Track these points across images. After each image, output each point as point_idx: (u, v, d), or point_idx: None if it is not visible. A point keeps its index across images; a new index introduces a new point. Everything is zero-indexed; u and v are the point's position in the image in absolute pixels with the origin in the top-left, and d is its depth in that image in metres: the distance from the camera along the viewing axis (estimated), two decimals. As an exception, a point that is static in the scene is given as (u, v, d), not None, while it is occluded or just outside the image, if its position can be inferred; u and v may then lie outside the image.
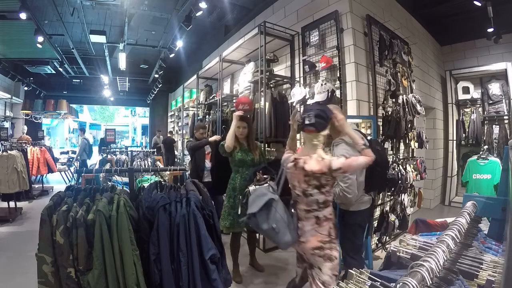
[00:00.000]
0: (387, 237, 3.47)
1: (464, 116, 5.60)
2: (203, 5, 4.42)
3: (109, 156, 4.85)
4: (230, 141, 2.52)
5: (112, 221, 1.36)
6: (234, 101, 4.91)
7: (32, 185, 5.46)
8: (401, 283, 0.58)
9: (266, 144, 3.59)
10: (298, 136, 2.08)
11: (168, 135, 8.42)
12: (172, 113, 10.38)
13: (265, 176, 2.32)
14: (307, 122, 1.65)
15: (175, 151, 8.17)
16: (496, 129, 5.15)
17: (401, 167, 3.43)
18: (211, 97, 5.45)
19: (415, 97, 3.75)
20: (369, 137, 2.65)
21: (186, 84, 7.16)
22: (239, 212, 2.35)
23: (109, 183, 2.34)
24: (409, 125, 3.73)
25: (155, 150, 5.74)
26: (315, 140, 1.67)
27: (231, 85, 5.51)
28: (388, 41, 3.63)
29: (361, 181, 2.01)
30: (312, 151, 1.66)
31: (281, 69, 4.25)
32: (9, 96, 7.82)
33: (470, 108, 5.53)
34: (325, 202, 1.63)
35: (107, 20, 6.12)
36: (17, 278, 2.62)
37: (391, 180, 3.17)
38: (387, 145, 3.47)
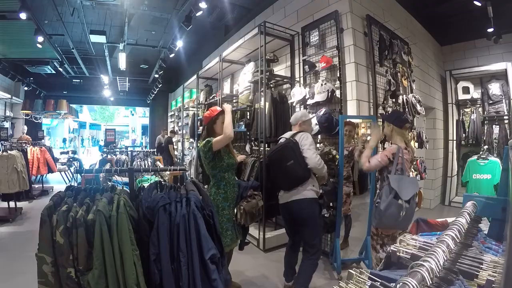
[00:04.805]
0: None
1: (464, 116, 5.61)
2: (203, 5, 4.43)
3: (109, 156, 4.86)
4: (232, 130, 2.14)
5: (112, 221, 1.36)
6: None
7: (32, 185, 5.47)
8: (401, 283, 0.58)
9: (266, 144, 3.59)
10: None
11: (170, 134, 8.38)
12: (172, 113, 10.38)
13: (255, 193, 2.29)
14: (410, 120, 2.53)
15: (175, 151, 8.14)
16: (496, 129, 5.15)
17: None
18: (211, 97, 5.45)
19: (415, 97, 3.75)
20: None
21: (186, 84, 7.16)
22: (236, 235, 2.24)
23: (109, 183, 2.33)
24: (409, 125, 3.73)
25: (155, 150, 5.73)
26: (406, 134, 2.48)
27: (231, 85, 5.51)
28: (388, 41, 3.64)
29: None
30: (402, 143, 2.32)
31: (281, 69, 4.25)
32: (9, 96, 7.81)
33: (470, 108, 5.53)
34: None
35: (107, 20, 6.12)
36: (17, 278, 2.62)
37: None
38: (387, 144, 3.47)
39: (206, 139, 2.15)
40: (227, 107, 2.24)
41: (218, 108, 2.30)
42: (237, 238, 2.26)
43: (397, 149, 2.23)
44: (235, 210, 2.22)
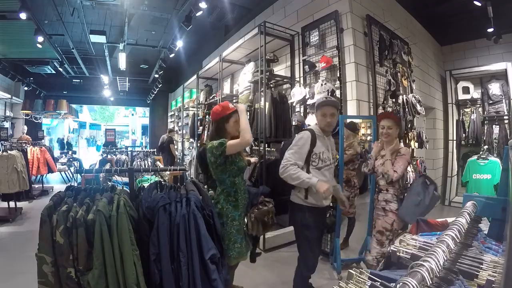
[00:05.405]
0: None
1: (464, 116, 5.60)
2: (203, 5, 4.43)
3: (109, 156, 4.85)
4: (251, 135, 1.90)
5: (112, 221, 1.36)
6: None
7: (32, 185, 5.46)
8: (401, 283, 0.58)
9: (266, 144, 3.59)
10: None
11: (169, 133, 8.35)
12: (172, 113, 10.38)
13: (266, 199, 2.16)
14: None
15: (175, 151, 8.11)
16: (496, 129, 5.15)
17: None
18: (211, 97, 5.45)
19: (415, 97, 3.75)
20: (369, 137, 2.67)
21: (186, 84, 7.17)
22: (246, 248, 2.01)
23: (109, 183, 2.33)
24: (409, 125, 3.73)
25: (155, 150, 5.70)
26: None
27: (231, 85, 5.51)
28: (388, 41, 3.64)
29: None
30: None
31: (281, 69, 4.25)
32: (9, 96, 7.82)
33: (470, 108, 5.53)
34: None
35: (107, 20, 6.12)
36: (17, 278, 2.61)
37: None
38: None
39: (220, 141, 1.82)
40: (242, 107, 1.98)
41: (231, 106, 1.99)
42: (246, 251, 2.02)
43: (409, 152, 2.34)
44: (245, 220, 2.05)
